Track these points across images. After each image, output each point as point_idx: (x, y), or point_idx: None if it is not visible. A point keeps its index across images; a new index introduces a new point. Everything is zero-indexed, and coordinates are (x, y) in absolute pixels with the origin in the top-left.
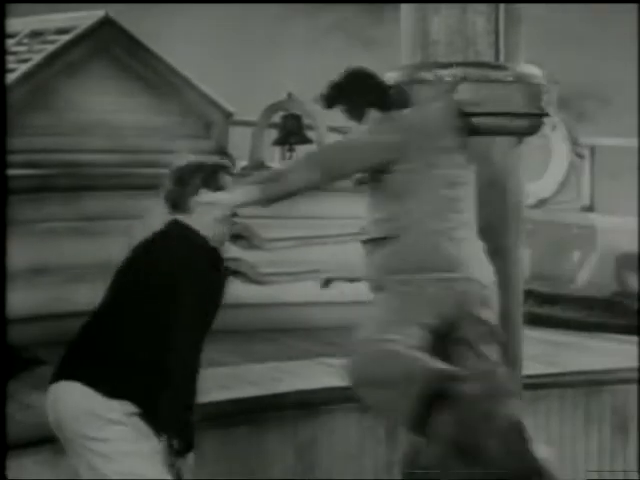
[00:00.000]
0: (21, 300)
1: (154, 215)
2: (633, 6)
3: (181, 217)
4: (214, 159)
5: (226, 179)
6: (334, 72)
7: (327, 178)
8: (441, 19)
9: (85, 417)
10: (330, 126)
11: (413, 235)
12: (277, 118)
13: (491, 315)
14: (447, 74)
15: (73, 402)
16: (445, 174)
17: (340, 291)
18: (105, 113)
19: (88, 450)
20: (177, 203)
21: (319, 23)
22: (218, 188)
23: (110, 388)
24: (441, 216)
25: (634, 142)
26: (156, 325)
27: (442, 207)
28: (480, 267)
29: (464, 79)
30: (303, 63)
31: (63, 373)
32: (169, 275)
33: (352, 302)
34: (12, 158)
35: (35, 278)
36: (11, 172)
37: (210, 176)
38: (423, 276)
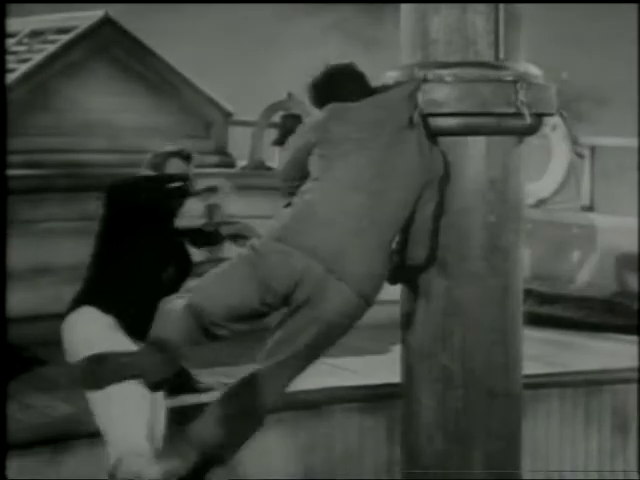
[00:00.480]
0: (21, 300)
1: None
2: (633, 6)
3: None
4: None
5: (178, 164)
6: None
7: (288, 182)
8: (441, 19)
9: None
10: None
11: (294, 208)
12: (277, 118)
13: (329, 307)
14: (446, 73)
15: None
16: (359, 166)
17: None
18: (105, 113)
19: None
20: None
21: (319, 23)
22: (160, 170)
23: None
24: (329, 201)
25: (634, 142)
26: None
27: (336, 195)
28: (350, 265)
29: (425, 80)
30: (303, 63)
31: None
32: None
33: None
34: (12, 158)
35: (35, 278)
36: (11, 172)
37: (160, 162)
38: (272, 244)
